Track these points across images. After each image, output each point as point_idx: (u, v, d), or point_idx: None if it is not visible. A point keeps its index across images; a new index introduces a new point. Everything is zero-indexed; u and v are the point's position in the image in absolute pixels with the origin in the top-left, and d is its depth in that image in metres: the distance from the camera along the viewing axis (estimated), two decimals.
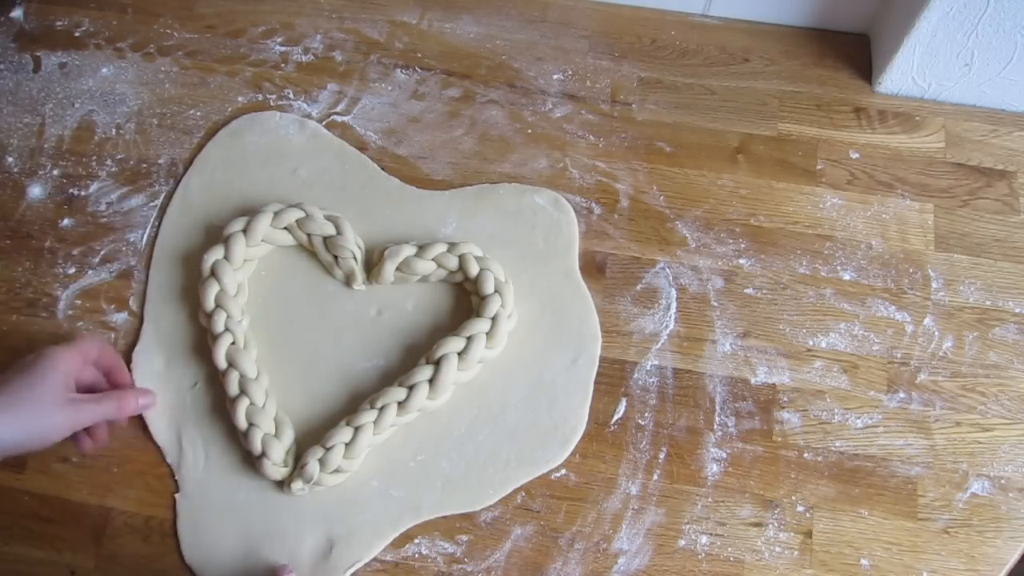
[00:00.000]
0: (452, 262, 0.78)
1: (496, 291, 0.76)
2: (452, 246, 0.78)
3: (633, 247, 0.83)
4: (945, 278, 0.82)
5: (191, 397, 0.77)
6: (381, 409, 0.72)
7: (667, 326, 0.80)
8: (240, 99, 0.91)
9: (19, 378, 0.64)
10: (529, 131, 0.89)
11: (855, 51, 0.93)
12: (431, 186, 0.86)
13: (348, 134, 0.89)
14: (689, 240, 0.84)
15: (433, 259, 0.78)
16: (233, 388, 0.74)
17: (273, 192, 0.84)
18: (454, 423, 0.76)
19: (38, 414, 0.63)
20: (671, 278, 0.82)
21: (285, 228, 0.80)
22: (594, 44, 0.94)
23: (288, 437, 0.73)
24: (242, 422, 0.73)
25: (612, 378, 0.78)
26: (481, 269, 0.77)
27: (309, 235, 0.80)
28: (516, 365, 0.78)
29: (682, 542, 0.72)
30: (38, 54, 0.93)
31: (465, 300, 0.79)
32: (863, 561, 0.72)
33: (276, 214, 0.79)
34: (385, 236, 0.82)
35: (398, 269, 0.78)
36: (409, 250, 0.78)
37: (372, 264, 0.80)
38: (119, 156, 0.88)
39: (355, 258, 0.79)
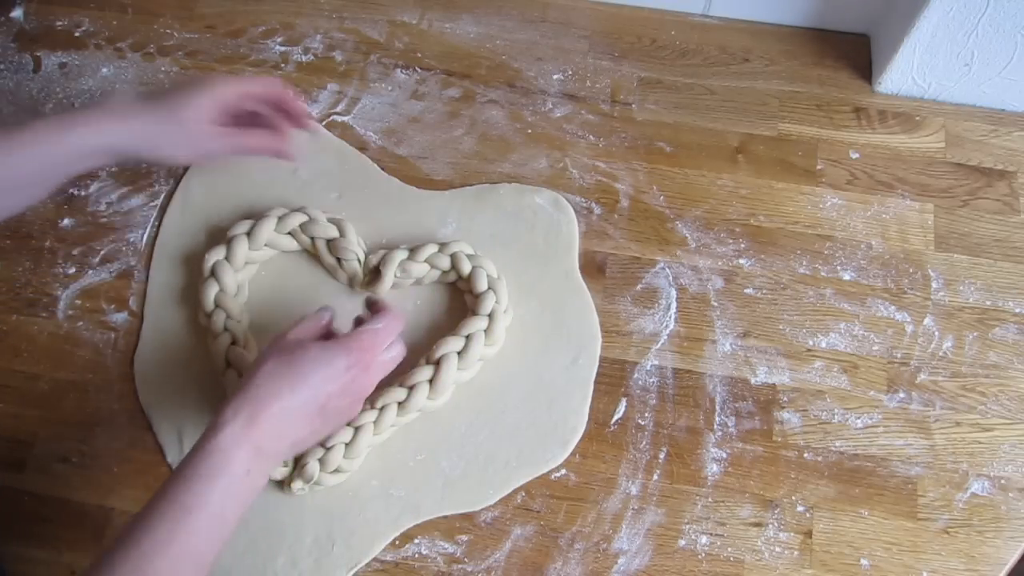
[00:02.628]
0: (444, 262, 0.78)
1: (490, 288, 0.76)
2: (443, 246, 0.78)
3: (633, 247, 0.83)
4: (945, 278, 0.82)
5: (191, 397, 0.76)
6: (381, 409, 0.72)
7: (667, 326, 0.80)
8: None
9: (173, 94, 0.70)
10: (529, 131, 0.89)
11: (855, 51, 0.93)
12: (431, 186, 0.86)
13: (348, 134, 0.89)
14: (689, 240, 0.84)
15: (425, 260, 0.78)
16: (232, 387, 0.74)
17: (273, 192, 0.84)
18: (454, 423, 0.76)
19: (174, 131, 0.69)
20: (671, 278, 0.82)
21: (289, 233, 0.80)
22: (594, 44, 0.94)
23: None
24: None
25: (612, 378, 0.78)
26: (473, 267, 0.77)
27: (312, 238, 0.80)
28: (516, 365, 0.78)
29: (682, 542, 0.72)
30: (38, 54, 0.93)
31: (463, 300, 0.79)
32: (863, 561, 0.72)
33: (280, 219, 0.79)
34: (385, 236, 0.82)
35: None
36: (401, 254, 0.78)
37: (366, 272, 0.79)
38: None
39: (359, 260, 0.79)
